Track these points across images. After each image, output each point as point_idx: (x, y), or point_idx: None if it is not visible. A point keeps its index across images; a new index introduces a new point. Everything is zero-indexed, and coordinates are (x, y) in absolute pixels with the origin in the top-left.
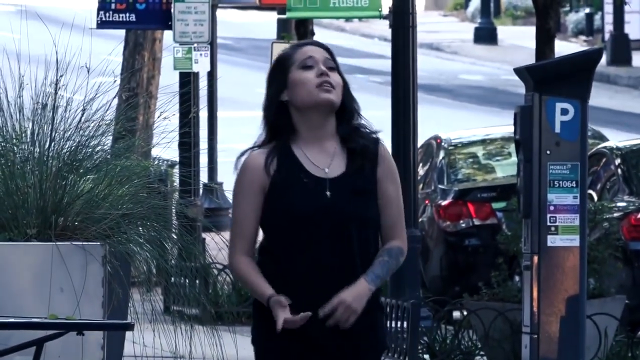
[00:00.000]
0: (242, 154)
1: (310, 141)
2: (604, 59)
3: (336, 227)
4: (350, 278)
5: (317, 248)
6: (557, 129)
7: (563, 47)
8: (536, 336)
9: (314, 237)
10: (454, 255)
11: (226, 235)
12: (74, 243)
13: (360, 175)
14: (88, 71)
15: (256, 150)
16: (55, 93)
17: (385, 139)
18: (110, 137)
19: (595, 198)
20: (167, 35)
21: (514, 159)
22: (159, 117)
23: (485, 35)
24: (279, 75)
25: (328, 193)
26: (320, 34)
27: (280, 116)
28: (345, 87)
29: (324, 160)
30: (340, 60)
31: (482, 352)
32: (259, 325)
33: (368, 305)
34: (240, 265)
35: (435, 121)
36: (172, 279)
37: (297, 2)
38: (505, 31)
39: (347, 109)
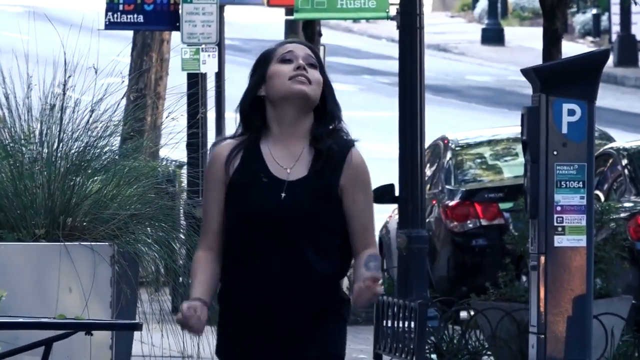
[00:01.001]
0: (214, 144)
1: (280, 140)
2: (611, 60)
3: (287, 230)
4: (301, 284)
5: (267, 250)
6: (564, 130)
7: (570, 48)
8: (543, 336)
9: (265, 239)
10: (461, 256)
11: None
12: (82, 243)
13: (322, 178)
14: (96, 72)
15: (225, 142)
16: (64, 94)
17: (393, 140)
18: (119, 138)
19: (602, 198)
20: (175, 36)
21: (521, 159)
22: (167, 117)
23: (493, 36)
24: (260, 69)
25: (282, 195)
26: (328, 35)
27: (255, 111)
28: (328, 88)
29: (288, 161)
30: (347, 61)
31: (489, 352)
32: (221, 331)
33: (329, 312)
34: (194, 262)
35: (442, 122)
36: (180, 279)
37: (304, 3)
38: (512, 32)
39: (327, 110)
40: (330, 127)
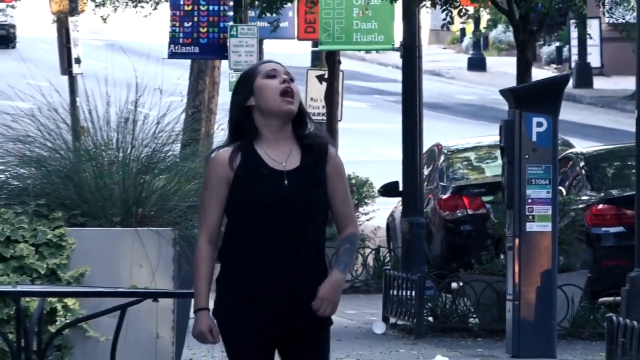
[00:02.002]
0: (212, 152)
1: (271, 141)
2: (570, 83)
3: (292, 213)
4: (301, 258)
5: (274, 231)
6: (534, 138)
7: (538, 74)
8: (517, 302)
9: (272, 222)
10: (452, 239)
11: None
12: (150, 229)
13: (313, 169)
14: (161, 92)
15: (223, 148)
16: (135, 109)
17: (397, 146)
18: (179, 145)
19: (564, 193)
20: (224, 63)
21: (500, 162)
22: (217, 128)
23: (477, 64)
24: (246, 84)
25: (286, 182)
26: (346, 63)
27: (246, 120)
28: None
29: (281, 156)
30: (360, 83)
31: (474, 315)
32: (221, 298)
33: (321, 279)
34: (200, 256)
35: (436, 132)
36: None
37: (327, 37)
38: (492, 61)
39: (302, 115)
40: (308, 128)
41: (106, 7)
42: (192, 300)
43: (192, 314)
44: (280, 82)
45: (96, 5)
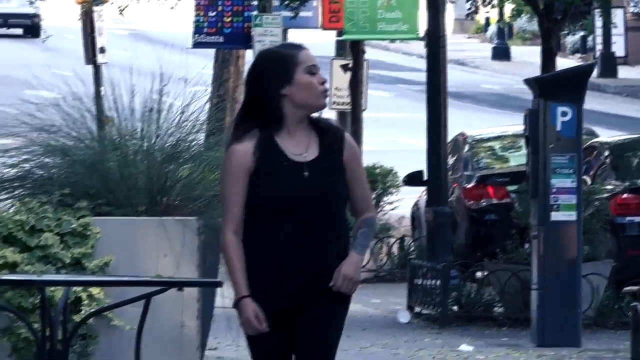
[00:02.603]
0: (231, 142)
1: (291, 131)
2: (595, 72)
3: (314, 203)
4: (320, 254)
5: (296, 221)
6: (558, 127)
7: (562, 63)
8: (542, 292)
9: (294, 213)
10: (476, 228)
11: None
12: (175, 218)
13: (331, 156)
14: (185, 82)
15: (243, 139)
16: (160, 99)
17: (421, 135)
18: (204, 134)
19: (589, 182)
20: (249, 53)
21: (524, 151)
22: None
23: (501, 53)
24: (285, 70)
25: (306, 173)
26: (369, 52)
27: (275, 107)
28: None
29: (301, 147)
30: (385, 73)
31: (499, 304)
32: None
33: (339, 258)
34: (230, 248)
35: (461, 121)
36: None
37: (351, 27)
38: (516, 50)
39: None
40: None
41: None
42: (224, 292)
43: (217, 303)
44: (320, 82)
45: None
